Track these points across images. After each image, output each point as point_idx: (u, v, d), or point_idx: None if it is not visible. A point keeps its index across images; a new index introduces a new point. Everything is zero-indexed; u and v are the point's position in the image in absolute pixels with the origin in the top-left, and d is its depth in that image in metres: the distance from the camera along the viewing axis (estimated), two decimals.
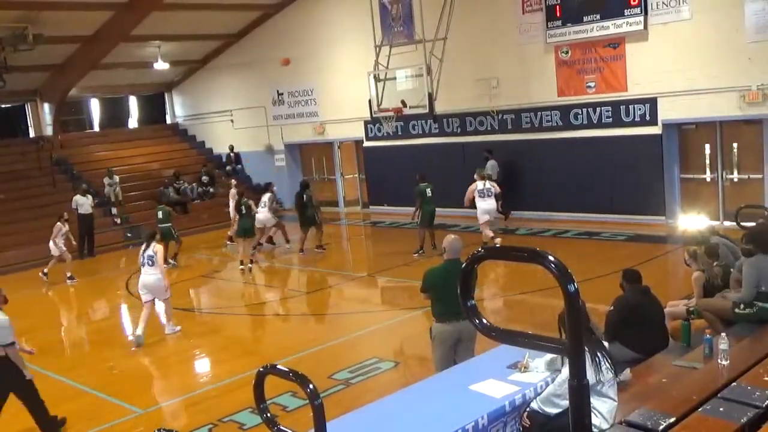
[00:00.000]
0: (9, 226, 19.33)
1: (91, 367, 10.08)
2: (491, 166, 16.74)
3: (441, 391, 5.78)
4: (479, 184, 14.36)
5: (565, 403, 3.22)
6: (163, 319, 11.30)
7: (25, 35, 18.18)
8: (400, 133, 19.12)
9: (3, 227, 19.21)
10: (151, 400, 8.60)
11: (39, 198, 21.15)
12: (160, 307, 11.27)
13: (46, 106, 24.02)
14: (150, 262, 10.71)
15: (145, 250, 10.81)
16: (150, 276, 10.73)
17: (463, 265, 2.65)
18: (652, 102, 15.28)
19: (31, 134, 24.41)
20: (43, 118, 24.20)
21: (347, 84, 20.35)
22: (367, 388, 8.08)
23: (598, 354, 5.13)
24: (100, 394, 9.00)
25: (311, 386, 3.40)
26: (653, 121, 15.36)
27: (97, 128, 27.07)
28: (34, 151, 22.53)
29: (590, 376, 4.91)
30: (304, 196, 16.00)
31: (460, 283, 2.64)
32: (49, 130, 23.94)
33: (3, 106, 23.89)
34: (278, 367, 3.86)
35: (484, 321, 2.57)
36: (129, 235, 20.43)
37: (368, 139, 20.92)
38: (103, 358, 10.45)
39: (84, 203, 18.05)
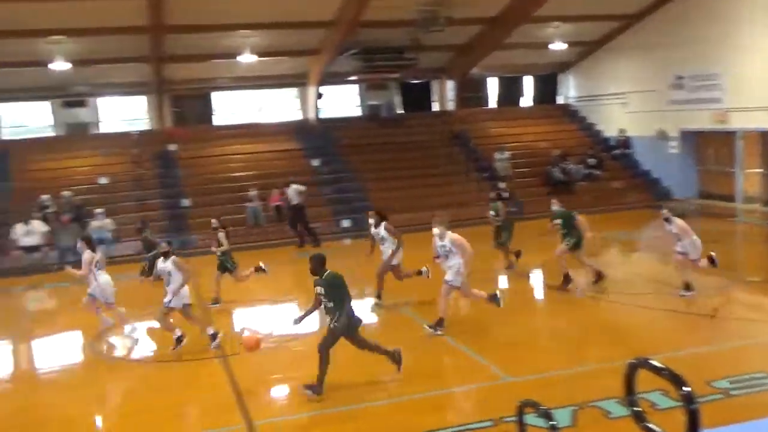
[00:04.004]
0: (400, 191, 21.24)
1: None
2: None
3: None
4: None
5: None
6: None
7: (436, 17, 19.71)
8: None
9: (397, 192, 21.16)
10: (519, 370, 8.81)
11: (435, 168, 22.85)
12: None
13: (450, 84, 25.89)
14: None
15: None
16: None
17: None
18: None
19: (435, 108, 26.56)
20: (446, 94, 26.18)
21: (763, 67, 18.27)
22: (750, 403, 7.30)
23: None
24: (475, 355, 9.53)
25: (687, 389, 3.16)
26: None
27: (493, 105, 28.41)
28: (437, 124, 24.49)
29: None
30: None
31: None
32: (450, 106, 25.85)
33: (413, 81, 26.25)
34: (651, 362, 3.66)
35: None
36: (514, 209, 20.20)
37: None
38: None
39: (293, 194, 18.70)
